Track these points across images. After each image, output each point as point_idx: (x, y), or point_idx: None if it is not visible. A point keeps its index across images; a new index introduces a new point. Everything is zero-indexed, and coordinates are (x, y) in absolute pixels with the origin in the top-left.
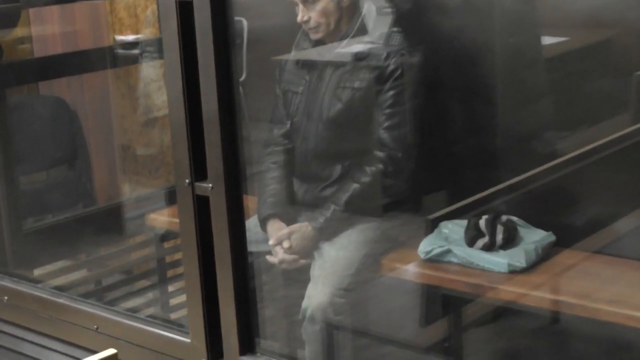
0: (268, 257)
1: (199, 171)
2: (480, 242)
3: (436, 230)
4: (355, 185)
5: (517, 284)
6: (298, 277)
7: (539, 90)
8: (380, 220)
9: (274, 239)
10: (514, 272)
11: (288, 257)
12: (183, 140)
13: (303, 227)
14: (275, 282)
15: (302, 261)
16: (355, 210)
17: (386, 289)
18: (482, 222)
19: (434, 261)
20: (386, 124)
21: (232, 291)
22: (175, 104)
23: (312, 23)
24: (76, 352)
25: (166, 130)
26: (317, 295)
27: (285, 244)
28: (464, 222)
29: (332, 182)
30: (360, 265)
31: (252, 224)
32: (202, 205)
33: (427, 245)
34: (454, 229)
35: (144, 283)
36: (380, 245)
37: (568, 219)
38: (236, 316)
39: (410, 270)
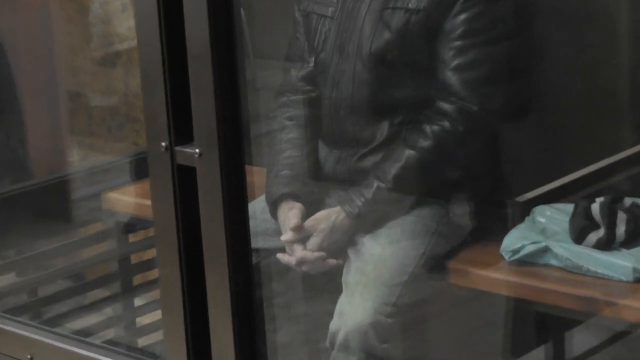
0: (280, 256)
1: (181, 130)
2: (593, 237)
3: (528, 219)
4: (409, 152)
5: None
6: (325, 285)
7: None
8: (445, 203)
9: (291, 233)
10: None
11: (310, 255)
12: (158, 86)
13: (333, 214)
14: (291, 293)
15: (331, 262)
16: (410, 188)
17: (454, 304)
18: (595, 208)
19: (524, 264)
20: (455, 63)
21: (229, 306)
22: (147, 33)
23: None
24: None
25: (133, 71)
26: (352, 312)
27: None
28: (569, 208)
29: (376, 148)
30: (417, 270)
31: (258, 207)
32: (185, 179)
33: (515, 241)
34: (554, 218)
35: (99, 294)
36: (446, 240)
37: None
38: (234, 342)
39: (490, 277)
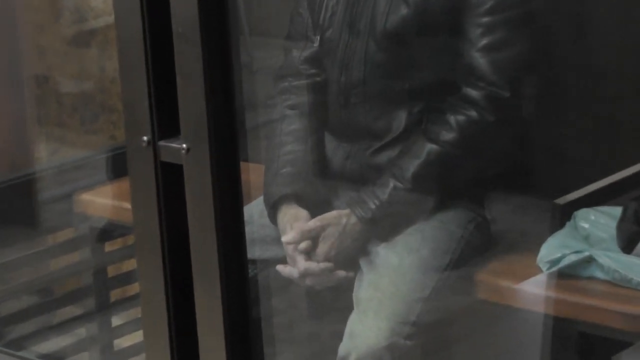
0: (281, 268)
1: (165, 122)
2: None
3: (569, 225)
4: (430, 147)
5: None
6: (333, 301)
7: None
8: (473, 206)
9: (293, 237)
10: None
11: (315, 267)
12: (139, 70)
13: (342, 218)
14: (293, 311)
15: (340, 274)
16: (431, 189)
17: (483, 323)
18: None
19: (564, 276)
20: (483, 43)
21: (221, 325)
22: (126, 7)
23: None
24: None
25: (110, 52)
26: (365, 333)
27: (309, 245)
28: (616, 211)
29: (392, 141)
30: (440, 283)
31: (255, 211)
32: (170, 178)
33: (554, 250)
34: (599, 223)
35: (71, 311)
36: (473, 249)
37: None
38: None
39: (525, 292)
